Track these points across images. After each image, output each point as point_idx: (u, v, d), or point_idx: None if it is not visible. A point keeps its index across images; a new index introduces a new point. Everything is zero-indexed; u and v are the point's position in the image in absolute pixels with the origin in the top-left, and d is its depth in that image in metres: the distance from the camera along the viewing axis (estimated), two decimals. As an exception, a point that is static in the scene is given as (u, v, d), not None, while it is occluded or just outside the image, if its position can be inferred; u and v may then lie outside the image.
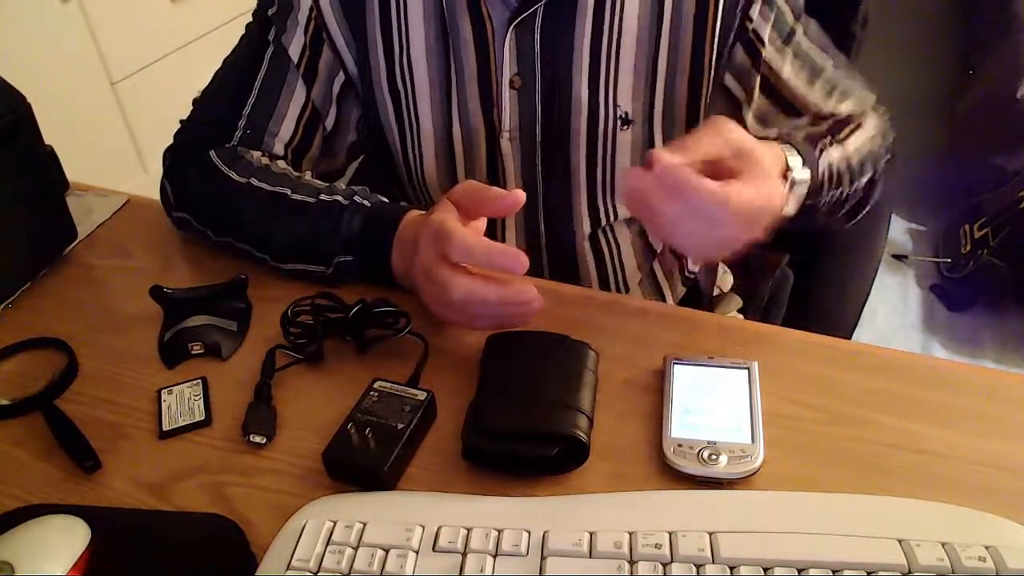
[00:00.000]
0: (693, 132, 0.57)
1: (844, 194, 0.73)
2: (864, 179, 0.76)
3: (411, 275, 0.63)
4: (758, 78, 0.75)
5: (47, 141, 0.73)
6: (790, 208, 0.64)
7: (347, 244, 0.67)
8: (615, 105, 0.75)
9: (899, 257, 1.98)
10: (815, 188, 0.67)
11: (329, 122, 0.79)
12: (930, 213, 2.06)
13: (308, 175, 0.74)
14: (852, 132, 0.75)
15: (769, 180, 0.58)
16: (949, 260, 1.88)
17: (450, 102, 0.77)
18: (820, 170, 0.67)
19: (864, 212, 0.80)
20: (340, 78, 0.78)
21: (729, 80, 0.76)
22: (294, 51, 0.75)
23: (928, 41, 2.18)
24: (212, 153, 0.74)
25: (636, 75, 0.74)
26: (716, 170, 0.56)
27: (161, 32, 1.89)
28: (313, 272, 0.69)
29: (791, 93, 0.77)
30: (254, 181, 0.71)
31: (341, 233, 0.67)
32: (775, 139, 0.69)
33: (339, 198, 0.68)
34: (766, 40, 0.74)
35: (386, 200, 0.70)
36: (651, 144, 0.78)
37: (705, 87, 0.75)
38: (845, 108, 0.78)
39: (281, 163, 0.76)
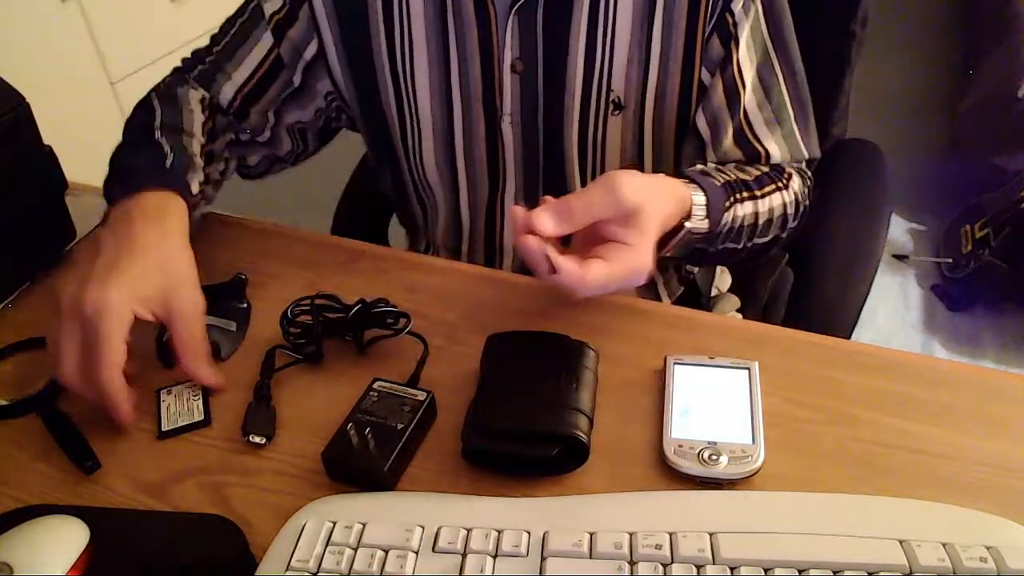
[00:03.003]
0: (588, 189, 0.58)
1: (740, 247, 0.74)
2: (764, 240, 0.76)
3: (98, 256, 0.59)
4: (724, 78, 0.75)
5: (46, 141, 0.73)
6: (672, 252, 0.67)
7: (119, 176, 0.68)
8: (608, 90, 0.76)
9: (900, 257, 1.97)
10: (711, 236, 0.68)
11: (296, 79, 0.81)
12: (931, 213, 2.06)
13: (196, 140, 0.74)
14: (775, 191, 0.75)
15: (639, 249, 0.58)
16: (950, 260, 1.87)
17: (450, 86, 0.77)
18: (721, 222, 0.68)
19: (760, 261, 0.82)
20: (312, 48, 0.80)
21: (704, 73, 0.76)
22: (268, 9, 0.78)
23: (928, 41, 2.18)
24: (166, 79, 0.80)
25: (629, 60, 0.74)
26: (597, 228, 0.58)
27: (160, 32, 1.89)
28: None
29: (742, 107, 0.76)
30: (156, 104, 0.75)
31: (122, 167, 0.69)
32: (698, 171, 0.69)
33: (167, 155, 0.68)
34: (742, 37, 0.73)
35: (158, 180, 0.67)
36: (641, 130, 0.78)
37: (697, 74, 0.75)
38: (777, 153, 0.78)
39: (198, 114, 0.76)
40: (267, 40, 0.78)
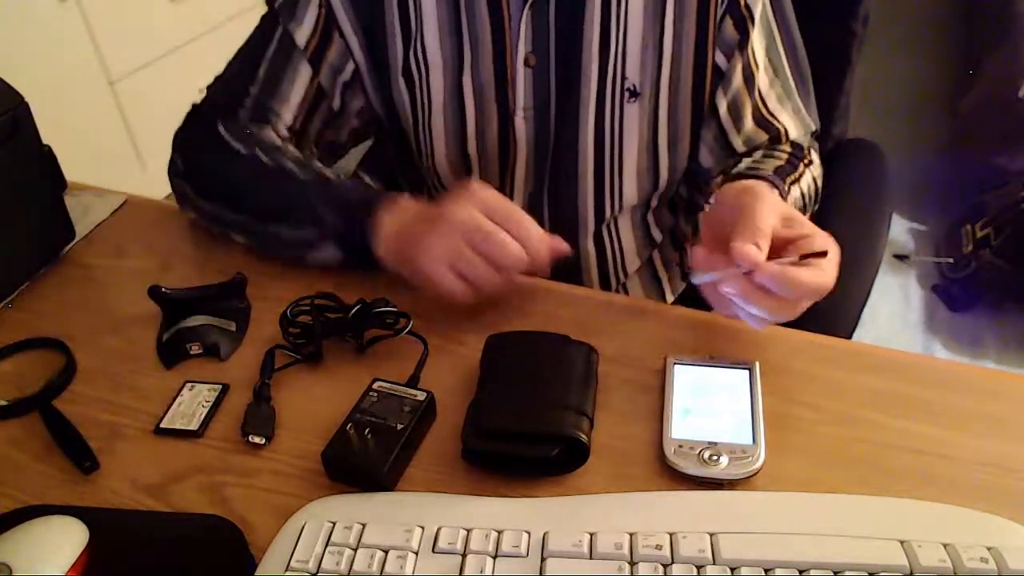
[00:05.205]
0: (755, 210, 0.57)
1: None
2: None
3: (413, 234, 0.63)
4: (742, 60, 0.75)
5: (45, 140, 0.73)
6: None
7: (336, 204, 0.67)
8: (623, 77, 0.76)
9: (901, 257, 1.97)
10: None
11: (335, 104, 0.80)
12: (932, 213, 2.06)
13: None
14: (804, 169, 0.76)
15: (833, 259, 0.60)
16: (951, 260, 1.87)
17: (462, 81, 0.77)
18: None
19: None
20: (350, 67, 0.79)
21: (719, 56, 0.76)
22: (301, 38, 0.76)
23: (928, 41, 2.18)
24: (220, 127, 0.75)
25: (644, 46, 0.75)
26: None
27: (160, 31, 1.89)
28: (296, 238, 0.69)
29: (757, 87, 0.77)
30: (258, 152, 0.72)
31: (332, 192, 0.68)
32: (749, 168, 0.70)
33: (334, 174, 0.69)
34: (756, 18, 0.74)
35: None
36: (656, 117, 0.78)
37: (710, 59, 0.76)
38: (793, 128, 0.79)
39: (292, 148, 0.76)
40: (305, 71, 0.77)
